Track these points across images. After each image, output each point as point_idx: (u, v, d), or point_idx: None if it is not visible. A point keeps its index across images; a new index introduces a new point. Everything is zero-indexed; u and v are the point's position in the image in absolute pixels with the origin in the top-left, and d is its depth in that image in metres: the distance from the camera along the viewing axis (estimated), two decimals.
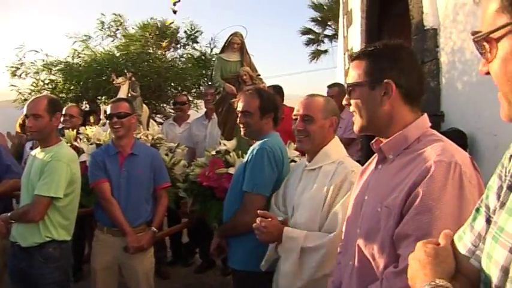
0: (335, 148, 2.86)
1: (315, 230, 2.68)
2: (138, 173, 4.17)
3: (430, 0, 5.27)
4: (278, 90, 6.53)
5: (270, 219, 2.75)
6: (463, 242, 1.21)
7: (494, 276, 1.01)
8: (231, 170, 4.24)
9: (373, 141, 1.95)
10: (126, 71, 6.68)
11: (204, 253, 6.55)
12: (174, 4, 10.18)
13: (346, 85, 1.93)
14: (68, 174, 3.65)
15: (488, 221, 1.13)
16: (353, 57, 1.91)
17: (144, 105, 6.00)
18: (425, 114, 1.87)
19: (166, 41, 11.38)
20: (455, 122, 4.63)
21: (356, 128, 1.94)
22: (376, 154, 1.97)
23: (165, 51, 12.38)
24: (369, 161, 2.11)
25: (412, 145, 1.78)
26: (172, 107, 9.10)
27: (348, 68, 9.35)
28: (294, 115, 2.91)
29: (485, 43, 0.98)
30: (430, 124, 1.87)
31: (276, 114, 3.55)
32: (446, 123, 4.82)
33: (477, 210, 1.20)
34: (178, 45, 13.57)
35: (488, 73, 1.03)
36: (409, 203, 1.63)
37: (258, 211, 2.83)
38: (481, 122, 4.01)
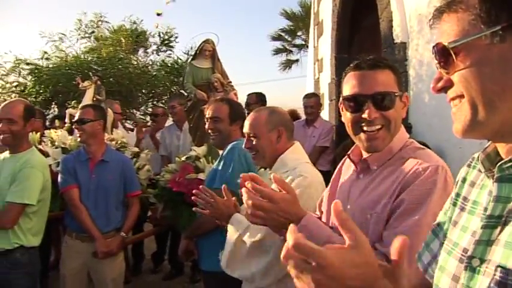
0: (292, 156, 2.80)
1: None
2: (108, 180, 4.16)
3: (400, 14, 5.38)
4: (260, 97, 6.58)
5: (225, 199, 2.62)
6: (422, 260, 1.30)
7: (446, 284, 1.10)
8: (201, 176, 4.25)
9: (349, 152, 1.99)
10: (92, 75, 6.64)
11: (172, 260, 6.54)
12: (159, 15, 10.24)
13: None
14: (41, 181, 3.64)
15: (442, 244, 1.23)
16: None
17: (109, 109, 5.98)
18: (403, 127, 1.94)
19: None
20: (423, 133, 4.73)
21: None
22: (348, 163, 2.02)
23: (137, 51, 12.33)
24: (337, 170, 2.15)
25: (396, 155, 1.84)
26: (142, 113, 9.08)
27: (318, 77, 9.48)
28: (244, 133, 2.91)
29: (454, 52, 1.03)
30: (408, 135, 1.94)
31: (243, 123, 3.61)
32: (414, 135, 4.90)
33: (433, 232, 1.30)
34: (151, 51, 13.54)
35: (440, 90, 1.10)
36: (397, 206, 1.69)
37: (224, 186, 2.68)
38: (447, 134, 4.07)
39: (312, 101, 6.59)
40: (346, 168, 2.08)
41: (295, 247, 0.88)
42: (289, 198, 1.84)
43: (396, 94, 1.81)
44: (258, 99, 6.38)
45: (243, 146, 2.86)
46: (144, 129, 7.52)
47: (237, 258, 2.63)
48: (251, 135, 2.77)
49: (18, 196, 3.50)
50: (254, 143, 2.75)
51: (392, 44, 5.54)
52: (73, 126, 4.13)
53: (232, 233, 2.62)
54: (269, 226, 1.93)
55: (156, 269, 6.80)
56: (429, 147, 1.84)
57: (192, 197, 2.63)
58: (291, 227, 0.94)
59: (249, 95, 6.66)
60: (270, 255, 2.47)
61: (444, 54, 1.05)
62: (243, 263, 2.58)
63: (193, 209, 2.77)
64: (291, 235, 0.91)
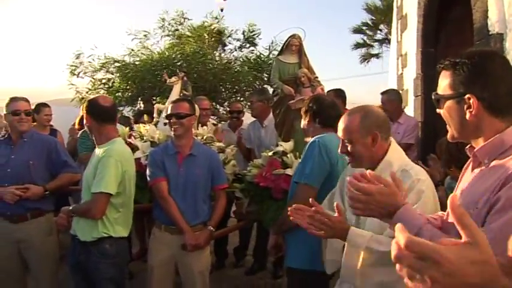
0: (396, 155, 2.72)
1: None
2: (196, 173, 4.18)
3: (496, 4, 5.11)
4: (339, 93, 6.47)
5: (336, 215, 2.47)
6: None
7: None
8: (289, 171, 4.21)
9: (467, 147, 1.90)
10: (178, 71, 6.76)
11: (256, 254, 6.56)
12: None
13: (433, 95, 1.89)
14: (118, 170, 3.64)
15: None
16: (441, 67, 1.85)
17: (195, 105, 6.05)
18: None
19: None
20: None
21: (448, 136, 1.93)
22: (471, 159, 1.92)
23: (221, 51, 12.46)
24: (465, 165, 2.05)
25: (509, 149, 1.71)
26: (226, 109, 9.15)
27: (401, 73, 9.22)
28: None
29: None
30: None
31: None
32: None
33: None
34: (234, 47, 13.65)
35: None
36: (495, 203, 1.59)
37: (336, 203, 2.56)
38: None
39: (384, 98, 6.37)
40: (469, 164, 1.98)
41: (408, 245, 0.88)
42: (385, 191, 1.88)
43: (445, 96, 1.82)
44: (336, 95, 6.24)
45: (338, 150, 2.74)
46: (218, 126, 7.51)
47: (369, 268, 2.47)
48: (345, 140, 2.66)
49: (97, 186, 3.58)
50: (349, 148, 2.64)
51: (487, 36, 5.26)
52: (171, 120, 4.13)
53: (352, 248, 2.49)
54: (370, 216, 2.01)
55: (239, 263, 6.83)
56: None
57: (307, 221, 2.48)
58: (399, 225, 0.92)
59: (328, 91, 6.53)
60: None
61: None
62: (378, 272, 2.42)
63: (308, 231, 2.51)
64: (401, 234, 0.90)
